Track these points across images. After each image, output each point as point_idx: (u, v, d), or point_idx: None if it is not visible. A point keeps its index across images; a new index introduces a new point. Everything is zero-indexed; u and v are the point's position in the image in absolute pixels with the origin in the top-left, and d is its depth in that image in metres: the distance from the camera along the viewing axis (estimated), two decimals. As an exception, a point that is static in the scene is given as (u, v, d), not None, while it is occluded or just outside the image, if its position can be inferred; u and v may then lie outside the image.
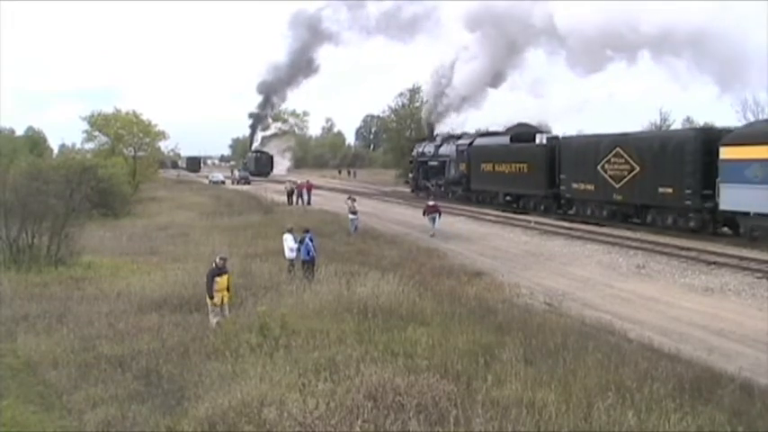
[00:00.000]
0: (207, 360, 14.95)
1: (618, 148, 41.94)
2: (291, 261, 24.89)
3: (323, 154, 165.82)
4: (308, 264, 24.09)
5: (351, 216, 40.00)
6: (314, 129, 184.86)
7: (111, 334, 17.49)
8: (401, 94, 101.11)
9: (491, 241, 38.02)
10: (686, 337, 18.63)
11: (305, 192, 61.51)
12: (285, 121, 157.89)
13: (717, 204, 34.98)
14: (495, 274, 27.77)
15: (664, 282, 26.54)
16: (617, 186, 41.95)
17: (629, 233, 38.28)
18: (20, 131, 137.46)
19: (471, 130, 66.62)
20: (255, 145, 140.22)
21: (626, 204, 42.31)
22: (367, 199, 63.93)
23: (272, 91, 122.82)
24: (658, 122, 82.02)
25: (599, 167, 43.13)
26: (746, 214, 33.66)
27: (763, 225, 32.63)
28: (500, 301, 21.48)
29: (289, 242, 25.06)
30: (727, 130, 36.72)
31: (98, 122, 71.18)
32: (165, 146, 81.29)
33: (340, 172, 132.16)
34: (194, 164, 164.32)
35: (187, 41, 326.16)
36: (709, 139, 36.19)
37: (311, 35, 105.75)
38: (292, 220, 32.88)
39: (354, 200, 43.59)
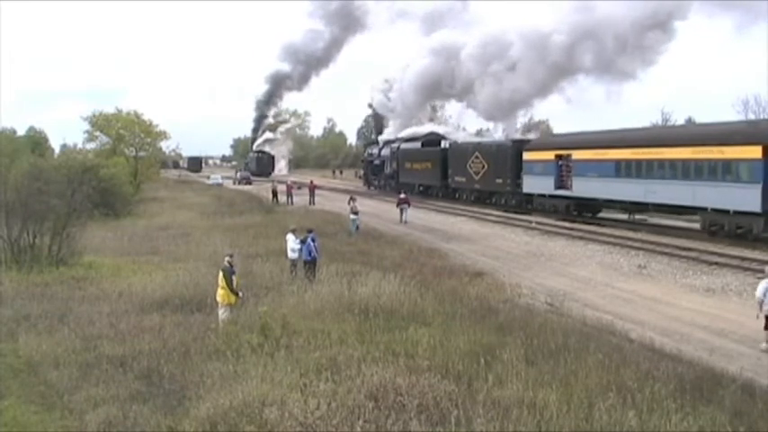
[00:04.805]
0: (208, 360, 14.94)
1: (477, 152, 60.25)
2: (293, 261, 24.88)
3: (324, 154, 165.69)
4: (310, 264, 24.09)
5: (352, 216, 40.08)
6: (315, 129, 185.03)
7: (112, 334, 17.49)
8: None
9: (492, 241, 38.05)
10: (687, 338, 18.64)
11: (293, 191, 66.38)
12: (286, 120, 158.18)
13: (522, 189, 52.83)
14: (497, 275, 27.77)
15: (665, 282, 26.53)
16: (476, 179, 60.15)
17: (630, 233, 38.46)
18: (21, 131, 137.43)
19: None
20: (258, 142, 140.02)
21: (482, 191, 60.29)
22: (368, 199, 64.09)
23: (296, 62, 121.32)
24: (660, 122, 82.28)
25: (467, 165, 61.22)
26: (534, 195, 51.61)
27: (542, 202, 50.55)
28: (501, 302, 21.49)
29: (291, 242, 25.06)
30: (528, 140, 56.76)
31: (99, 122, 70.99)
32: (166, 146, 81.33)
33: (341, 172, 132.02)
34: (196, 164, 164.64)
35: (189, 42, 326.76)
36: (520, 146, 54.48)
37: (338, 21, 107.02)
38: (294, 221, 32.90)
39: (356, 200, 43.67)
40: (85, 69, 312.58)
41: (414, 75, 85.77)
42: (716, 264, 28.86)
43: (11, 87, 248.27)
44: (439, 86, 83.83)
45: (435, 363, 13.64)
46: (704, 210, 36.73)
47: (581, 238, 37.87)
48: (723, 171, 35.01)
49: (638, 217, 44.60)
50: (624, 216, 45.64)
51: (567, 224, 43.97)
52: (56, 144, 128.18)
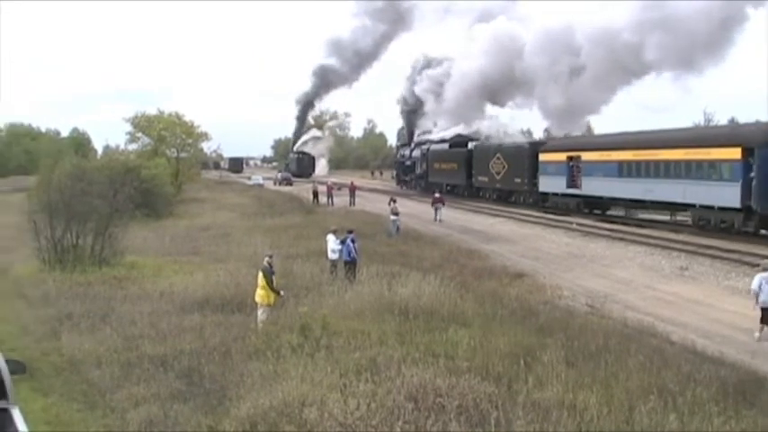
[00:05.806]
0: (248, 360, 15.02)
1: (498, 153, 63.33)
2: (333, 262, 24.94)
3: (364, 155, 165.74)
4: (350, 264, 24.12)
5: (392, 217, 40.07)
6: (355, 130, 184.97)
7: (153, 333, 17.62)
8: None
9: (532, 242, 37.89)
10: (729, 340, 18.42)
11: (334, 192, 66.73)
12: (327, 121, 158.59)
13: (538, 188, 56.61)
14: (537, 276, 27.65)
15: (707, 284, 26.25)
16: (498, 178, 63.49)
17: (671, 235, 38.17)
18: (65, 133, 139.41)
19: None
20: (304, 139, 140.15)
21: (502, 190, 63.47)
22: (407, 200, 64.03)
23: (343, 59, 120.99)
24: (702, 122, 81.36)
25: (489, 166, 64.55)
26: (549, 194, 55.44)
27: (555, 200, 54.59)
28: (541, 303, 21.42)
29: (331, 243, 25.12)
30: (543, 142, 61.67)
31: (141, 124, 71.38)
32: (207, 147, 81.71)
33: (381, 173, 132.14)
34: (236, 165, 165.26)
35: (231, 43, 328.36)
36: (536, 148, 58.36)
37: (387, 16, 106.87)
38: (334, 221, 32.96)
39: (396, 201, 43.71)
40: (128, 72, 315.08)
41: (473, 75, 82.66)
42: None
43: (55, 89, 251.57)
44: (501, 87, 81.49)
45: (475, 364, 13.61)
46: (693, 206, 40.32)
47: (622, 239, 37.57)
48: (709, 171, 38.51)
49: (679, 218, 44.57)
50: (666, 217, 45.94)
51: (607, 225, 43.78)
52: (98, 145, 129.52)
